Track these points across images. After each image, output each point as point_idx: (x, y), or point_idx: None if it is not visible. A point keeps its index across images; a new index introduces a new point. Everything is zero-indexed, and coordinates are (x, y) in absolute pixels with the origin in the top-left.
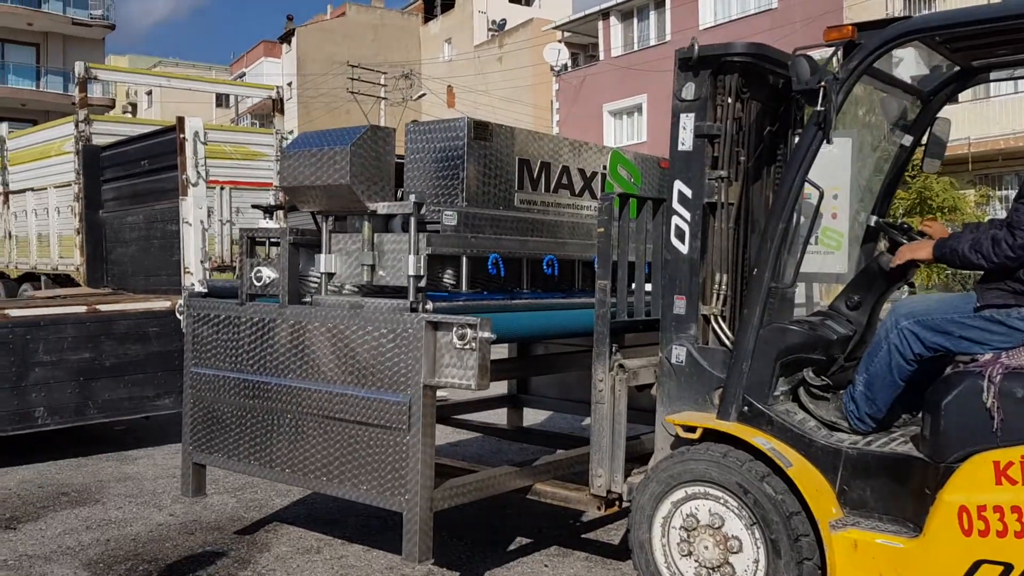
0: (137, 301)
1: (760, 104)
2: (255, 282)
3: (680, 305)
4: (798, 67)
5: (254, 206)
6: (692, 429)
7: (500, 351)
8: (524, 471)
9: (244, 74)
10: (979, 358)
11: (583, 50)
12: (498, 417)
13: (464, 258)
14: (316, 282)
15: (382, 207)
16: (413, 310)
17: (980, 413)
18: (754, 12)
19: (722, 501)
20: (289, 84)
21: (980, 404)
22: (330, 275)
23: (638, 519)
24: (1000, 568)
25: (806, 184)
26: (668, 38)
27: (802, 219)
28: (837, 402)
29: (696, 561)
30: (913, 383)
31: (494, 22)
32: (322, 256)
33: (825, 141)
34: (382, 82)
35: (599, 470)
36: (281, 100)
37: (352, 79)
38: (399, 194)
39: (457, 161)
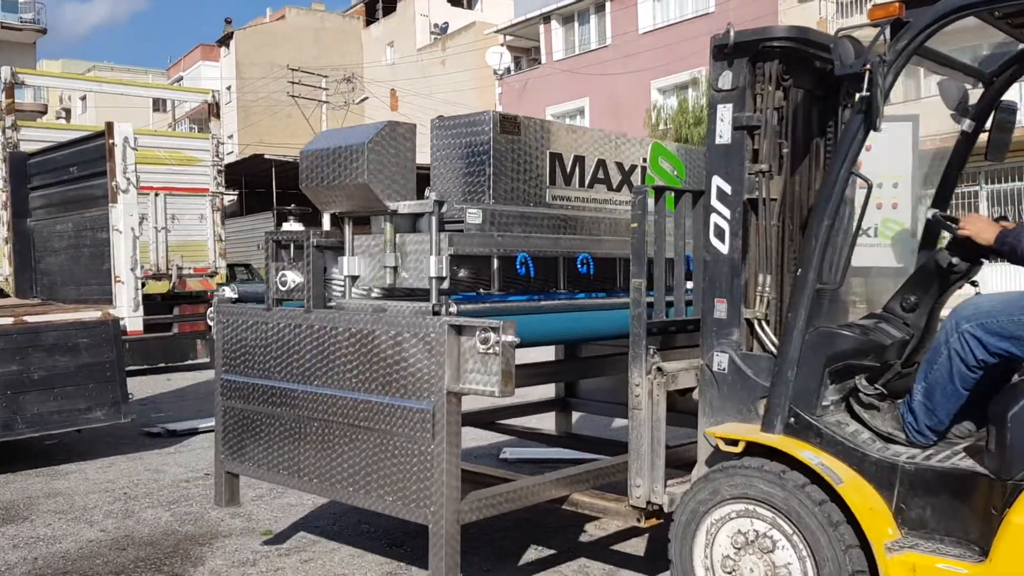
0: (67, 311)
1: (806, 92)
2: (280, 287)
3: (721, 309)
4: (841, 49)
5: (278, 209)
6: (735, 442)
7: (547, 353)
8: (558, 481)
9: (181, 78)
10: None
11: (525, 53)
12: (541, 422)
13: (495, 258)
14: (342, 285)
15: (403, 206)
16: (435, 313)
17: None
18: (691, 16)
19: (771, 522)
20: (228, 88)
21: None
22: (354, 278)
23: (682, 527)
24: None
25: (856, 177)
26: (608, 41)
27: (856, 213)
28: (894, 412)
29: None
30: (977, 392)
31: (436, 25)
32: (345, 259)
33: (873, 129)
34: (323, 85)
35: (638, 480)
36: (217, 104)
37: (293, 83)
38: (426, 193)
39: (483, 157)
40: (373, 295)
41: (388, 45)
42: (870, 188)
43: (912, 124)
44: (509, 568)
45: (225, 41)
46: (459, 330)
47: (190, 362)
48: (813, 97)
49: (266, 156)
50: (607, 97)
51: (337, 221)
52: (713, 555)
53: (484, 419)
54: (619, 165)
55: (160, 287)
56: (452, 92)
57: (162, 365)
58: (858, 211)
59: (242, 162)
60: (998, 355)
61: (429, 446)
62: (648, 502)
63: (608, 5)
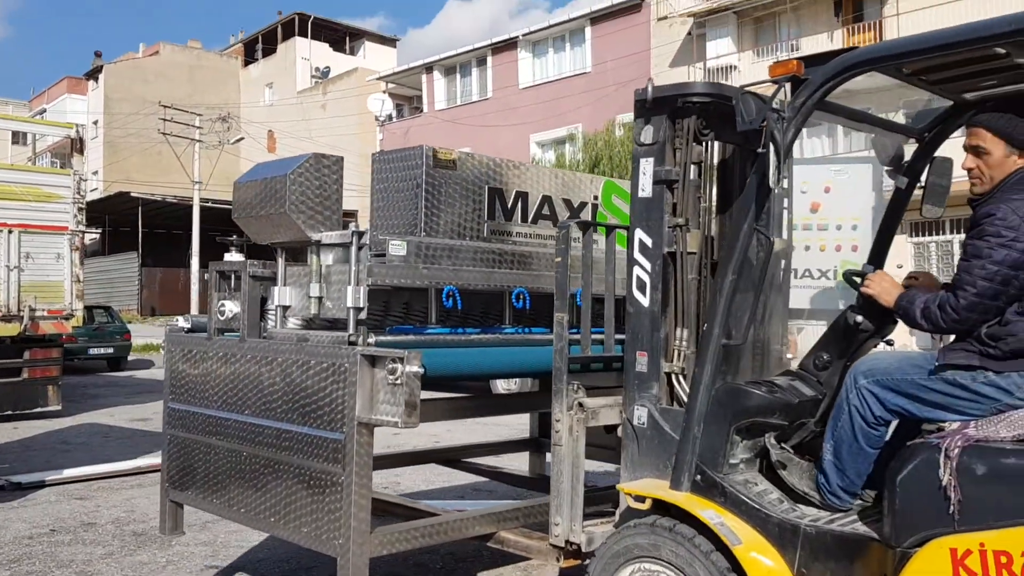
0: None
1: (736, 145)
2: (219, 316)
3: (642, 362)
4: (743, 106)
5: (219, 239)
6: (643, 499)
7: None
8: (475, 518)
9: (45, 110)
10: (946, 427)
11: (408, 101)
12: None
13: (426, 290)
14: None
15: (325, 237)
16: (351, 343)
17: (936, 492)
18: (569, 74)
19: None
20: (95, 122)
21: (936, 482)
22: (285, 308)
23: (608, 557)
24: None
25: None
26: (490, 94)
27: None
28: (812, 472)
29: None
30: (889, 452)
31: (318, 69)
32: (276, 288)
33: (771, 186)
34: (197, 124)
35: (557, 517)
36: (81, 139)
37: (164, 120)
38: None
39: (416, 190)
40: (315, 326)
41: (267, 86)
42: (771, 247)
43: (872, 166)
44: None
45: (94, 74)
46: (372, 361)
47: (40, 410)
48: (745, 150)
49: (132, 194)
50: (488, 148)
51: (271, 252)
52: None
53: (450, 456)
54: (567, 202)
55: (10, 330)
56: (333, 136)
57: (9, 413)
58: (759, 268)
59: (106, 199)
60: (895, 412)
61: (340, 477)
62: (567, 541)
63: (489, 59)
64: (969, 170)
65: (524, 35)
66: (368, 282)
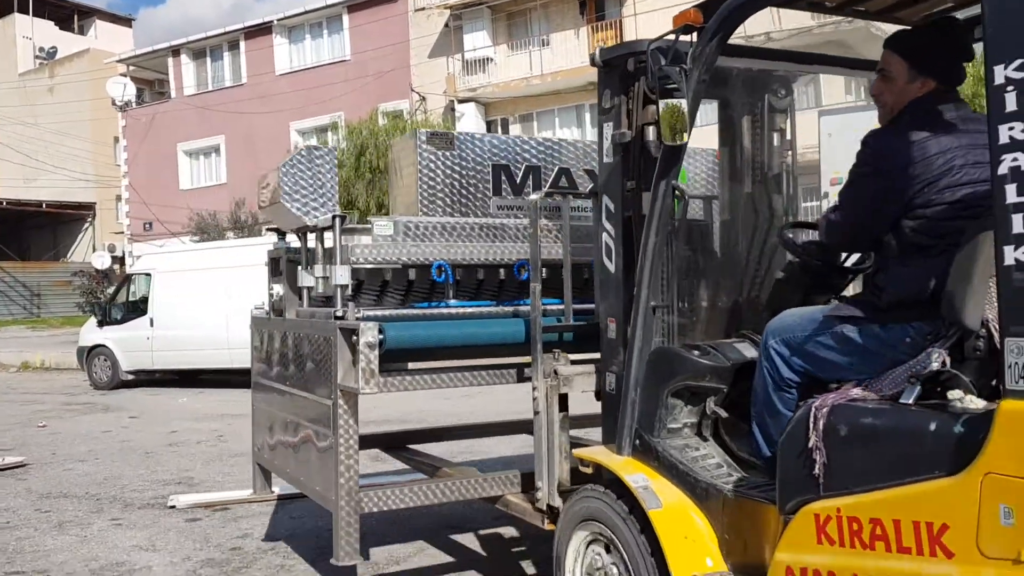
0: None
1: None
2: (271, 298)
3: (612, 328)
4: (651, 61)
5: (268, 229)
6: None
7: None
8: (466, 482)
9: None
10: (842, 387)
11: (149, 85)
12: None
13: (411, 268)
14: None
15: (320, 221)
16: (337, 318)
17: (808, 455)
18: (328, 62)
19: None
20: None
21: (807, 444)
22: (309, 288)
23: (557, 547)
24: None
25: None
26: (244, 80)
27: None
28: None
29: None
30: None
31: (42, 49)
32: (300, 271)
33: (663, 141)
34: None
35: (539, 482)
36: None
37: None
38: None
39: (413, 172)
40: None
41: None
42: (685, 203)
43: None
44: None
45: None
46: (350, 333)
47: None
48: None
49: None
50: (244, 136)
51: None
52: (584, 562)
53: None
54: (589, 172)
55: None
56: (64, 122)
57: None
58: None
59: None
60: (801, 373)
61: (330, 438)
62: (548, 505)
63: (242, 44)
64: (875, 96)
65: (279, 20)
66: (351, 260)
